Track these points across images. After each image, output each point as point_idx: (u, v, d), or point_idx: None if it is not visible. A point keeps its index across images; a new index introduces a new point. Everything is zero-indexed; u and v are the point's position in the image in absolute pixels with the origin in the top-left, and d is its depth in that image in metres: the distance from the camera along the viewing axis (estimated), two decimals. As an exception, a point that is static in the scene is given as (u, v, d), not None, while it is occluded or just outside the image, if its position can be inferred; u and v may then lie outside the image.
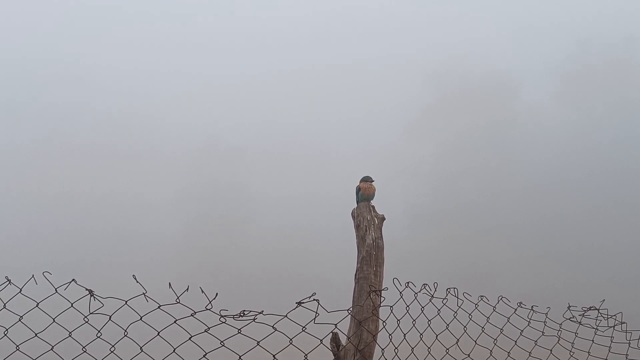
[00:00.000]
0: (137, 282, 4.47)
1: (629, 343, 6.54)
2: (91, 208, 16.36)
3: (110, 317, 4.48)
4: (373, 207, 6.19)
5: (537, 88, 17.69)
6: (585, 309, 6.62)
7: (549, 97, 17.75)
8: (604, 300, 6.67)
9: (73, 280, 4.41)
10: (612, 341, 6.60)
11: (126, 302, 4.52)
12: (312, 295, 4.70)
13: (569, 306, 6.53)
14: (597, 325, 6.61)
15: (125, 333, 4.58)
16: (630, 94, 17.45)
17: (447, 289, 5.80)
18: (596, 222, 15.80)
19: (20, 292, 4.40)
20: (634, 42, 17.64)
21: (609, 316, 6.65)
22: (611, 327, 6.63)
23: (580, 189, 16.52)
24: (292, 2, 18.78)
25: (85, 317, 4.44)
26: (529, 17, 18.44)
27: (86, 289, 4.39)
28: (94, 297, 4.40)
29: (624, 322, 6.64)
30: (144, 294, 4.48)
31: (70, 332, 4.53)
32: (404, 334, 5.52)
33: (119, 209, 16.59)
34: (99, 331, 4.50)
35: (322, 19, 18.74)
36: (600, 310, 6.63)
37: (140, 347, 4.60)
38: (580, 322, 6.56)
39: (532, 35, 18.19)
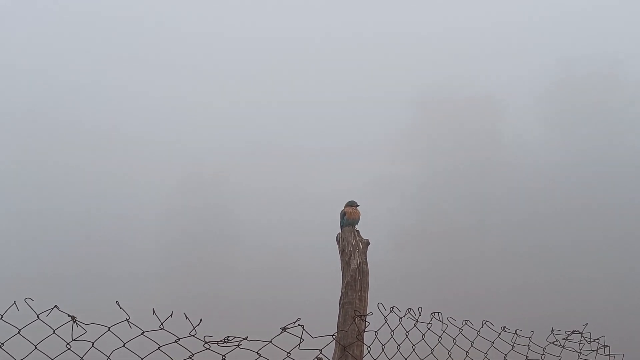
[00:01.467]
0: (121, 307, 4.43)
1: (612, 367, 6.57)
2: (75, 229, 16.27)
3: (93, 343, 4.43)
4: (358, 231, 6.21)
5: (521, 110, 17.82)
6: (569, 332, 6.65)
7: (534, 119, 17.87)
8: (587, 324, 6.70)
9: (55, 306, 4.37)
10: (595, 365, 6.63)
11: (109, 328, 4.48)
12: (296, 321, 4.70)
13: (553, 330, 6.56)
14: (581, 349, 6.64)
15: (108, 360, 4.54)
16: (615, 114, 17.60)
17: (431, 314, 5.81)
18: (580, 246, 15.88)
19: (1, 318, 4.35)
20: (618, 63, 17.80)
21: (592, 340, 6.68)
22: (594, 350, 6.66)
23: (566, 212, 16.61)
24: (278, 31, 18.88)
25: (68, 343, 4.40)
26: (512, 39, 18.59)
27: (68, 315, 4.35)
28: (77, 323, 4.36)
29: (607, 346, 6.67)
30: (127, 320, 4.44)
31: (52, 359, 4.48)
32: (389, 359, 5.51)
33: (103, 230, 16.51)
34: (81, 358, 4.47)
35: (306, 46, 18.85)
36: (583, 334, 6.66)
37: (123, 374, 4.57)
38: (563, 346, 6.59)
39: (516, 57, 18.33)
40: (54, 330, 4.42)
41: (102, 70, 17.83)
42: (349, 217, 6.29)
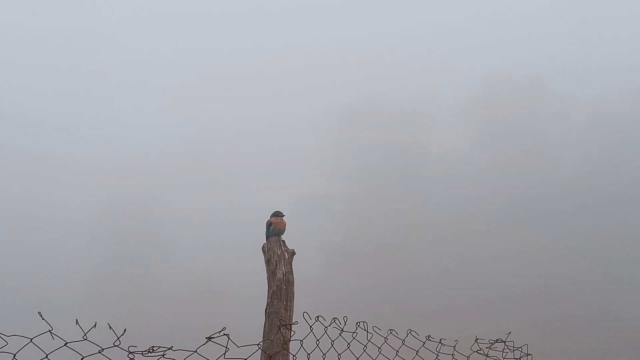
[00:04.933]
0: (43, 319, 4.38)
1: (535, 374, 6.69)
2: (2, 251, 15.98)
3: (15, 355, 4.37)
4: (283, 241, 6.25)
5: (448, 125, 18.19)
6: (492, 341, 6.75)
7: (460, 133, 18.25)
8: (510, 332, 6.83)
9: (-24, 318, 4.31)
10: (518, 373, 6.74)
11: (31, 339, 4.41)
12: (222, 330, 4.69)
13: (477, 339, 6.66)
14: (504, 357, 6.75)
15: (31, 372, 4.47)
16: (539, 129, 18.01)
17: (356, 323, 5.86)
18: (503, 257, 16.19)
19: None
20: (542, 79, 18.24)
21: (515, 348, 6.80)
22: (517, 359, 6.77)
23: (491, 224, 16.90)
24: (202, 49, 18.91)
25: (-12, 356, 4.33)
26: (437, 55, 18.94)
27: (-11, 327, 4.28)
28: (-2, 335, 4.29)
29: (530, 354, 6.80)
30: (49, 331, 4.39)
31: (-28, 372, 4.40)
32: (315, 368, 5.54)
33: (29, 252, 16.24)
34: (2, 370, 4.39)
35: (230, 63, 18.91)
36: (506, 343, 6.78)
37: (46, 386, 4.50)
38: (487, 355, 6.69)
39: (441, 73, 18.68)
40: (-26, 343, 4.35)
41: (11, 90, 17.59)
42: (275, 227, 6.32)
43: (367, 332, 5.93)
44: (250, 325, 6.07)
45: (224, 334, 4.70)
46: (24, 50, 18.21)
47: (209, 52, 18.95)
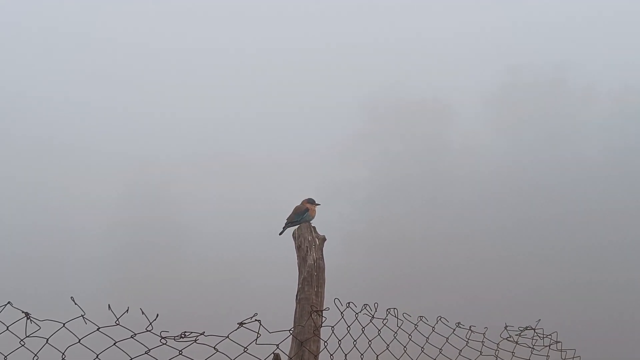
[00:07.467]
0: (76, 303, 4.38)
1: (564, 362, 6.66)
2: (25, 235, 16.06)
3: (48, 340, 4.37)
4: (314, 228, 6.24)
5: (470, 115, 18.04)
6: (522, 328, 6.72)
7: (482, 123, 18.09)
8: (539, 320, 6.79)
9: (9, 302, 4.31)
10: (547, 360, 6.72)
11: (64, 324, 4.42)
12: (253, 316, 4.68)
13: (506, 326, 6.64)
14: (533, 345, 6.73)
15: (63, 356, 4.46)
16: (562, 118, 17.86)
17: (387, 310, 5.84)
18: (529, 246, 16.13)
19: (-46, 316, 4.28)
20: (565, 69, 18.07)
21: (544, 335, 6.77)
22: (547, 346, 6.75)
23: (513, 214, 16.83)
24: (223, 41, 18.86)
25: (22, 340, 4.33)
26: (461, 45, 18.80)
27: (22, 312, 4.28)
28: (31, 320, 4.29)
29: (559, 342, 6.77)
30: (82, 315, 4.39)
31: (5, 356, 4.41)
32: (345, 355, 5.53)
33: (52, 236, 16.33)
34: (35, 355, 4.39)
35: (253, 55, 18.89)
36: (536, 330, 6.75)
37: (78, 371, 4.51)
38: (517, 342, 6.66)
39: (464, 62, 18.55)
40: (7, 327, 4.35)
41: (35, 78, 17.62)
42: (312, 214, 6.41)
43: (398, 318, 5.91)
44: (281, 312, 6.07)
45: (256, 320, 4.69)
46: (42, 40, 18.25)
47: (230, 47, 18.91)
